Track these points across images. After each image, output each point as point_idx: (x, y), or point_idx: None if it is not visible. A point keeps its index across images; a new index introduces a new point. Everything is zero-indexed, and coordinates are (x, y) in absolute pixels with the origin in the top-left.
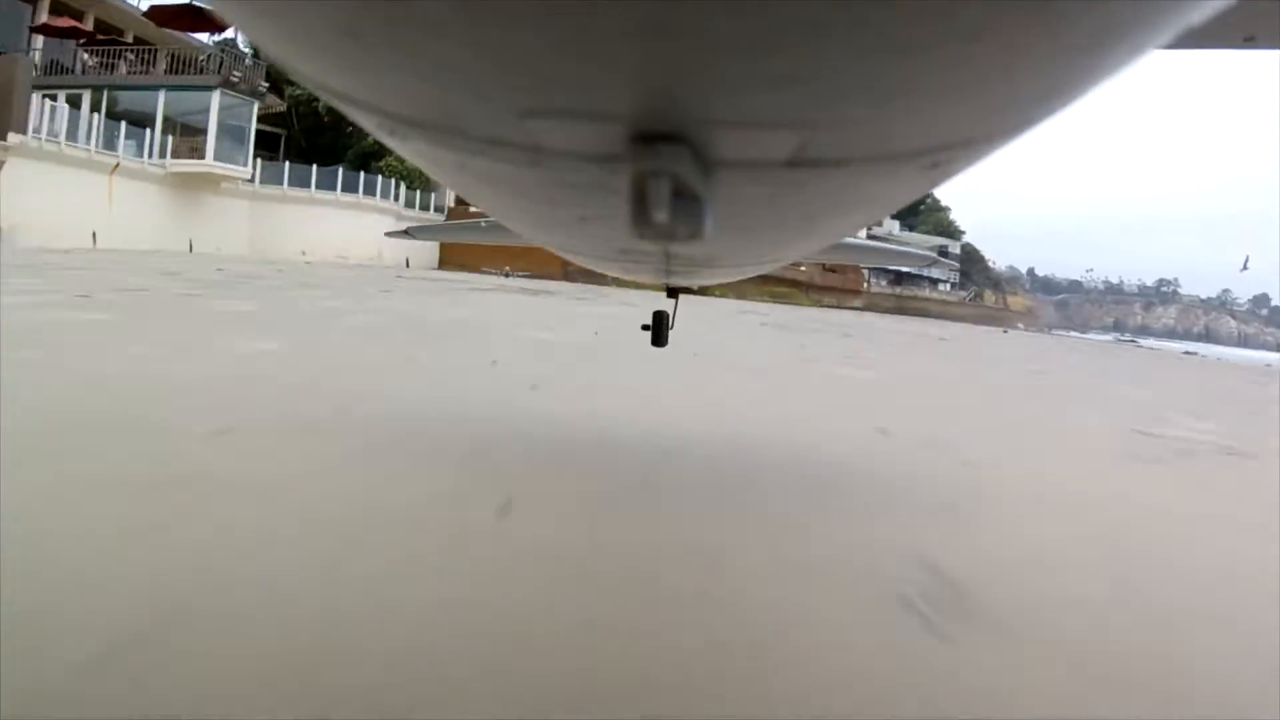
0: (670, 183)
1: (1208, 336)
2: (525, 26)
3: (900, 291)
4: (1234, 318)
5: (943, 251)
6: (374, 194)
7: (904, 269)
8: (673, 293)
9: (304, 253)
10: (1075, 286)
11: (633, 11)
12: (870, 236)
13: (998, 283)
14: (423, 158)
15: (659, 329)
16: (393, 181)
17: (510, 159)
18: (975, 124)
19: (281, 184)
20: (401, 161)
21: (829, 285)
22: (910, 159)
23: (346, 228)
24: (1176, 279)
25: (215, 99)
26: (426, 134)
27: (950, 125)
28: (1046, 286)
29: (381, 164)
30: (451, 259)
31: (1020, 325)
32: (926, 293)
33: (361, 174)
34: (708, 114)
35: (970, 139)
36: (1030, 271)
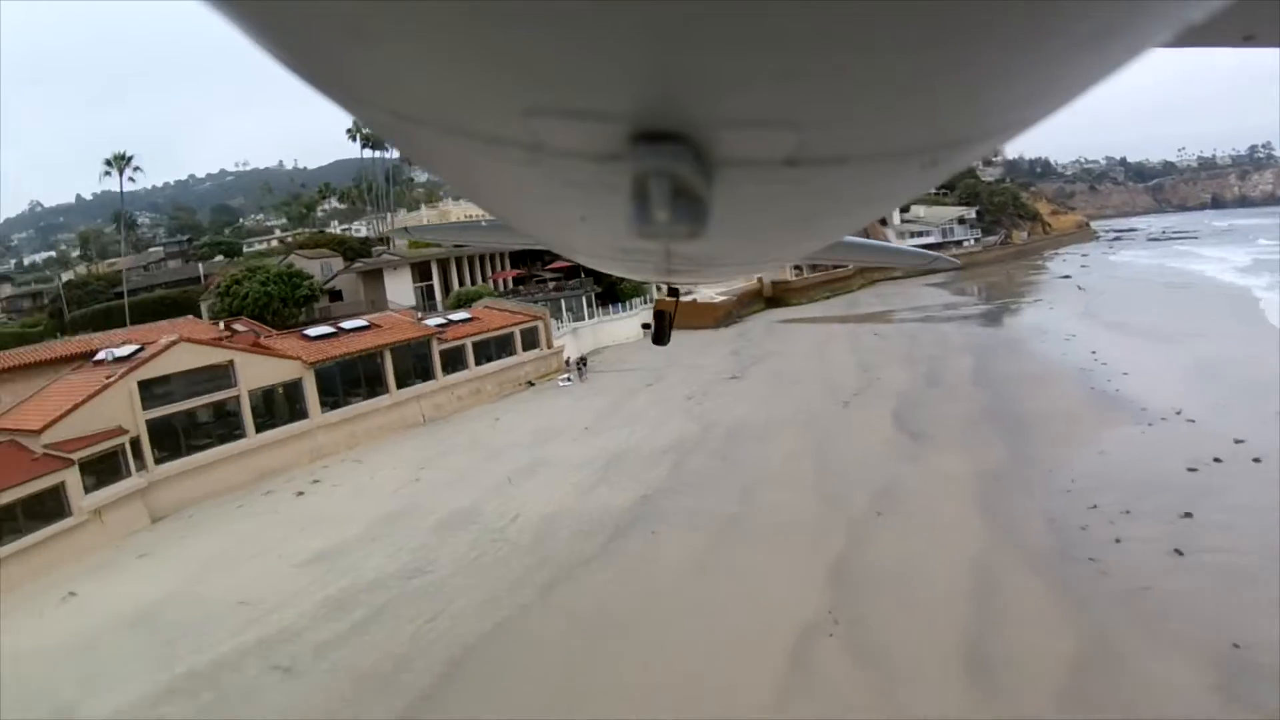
0: (671, 182)
1: None
2: (528, 27)
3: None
4: None
5: (962, 220)
6: (625, 308)
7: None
8: (673, 292)
9: (610, 342)
10: (1169, 168)
11: (633, 11)
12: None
13: (1035, 215)
14: (425, 156)
15: (660, 327)
16: (635, 300)
17: (512, 157)
18: (977, 121)
19: (607, 314)
20: (634, 284)
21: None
22: (910, 157)
23: (625, 325)
24: (1269, 142)
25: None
26: (429, 132)
27: (951, 122)
28: (1140, 173)
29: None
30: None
31: (1044, 253)
32: (953, 252)
33: (622, 300)
34: (708, 113)
35: (972, 136)
36: (1123, 160)
